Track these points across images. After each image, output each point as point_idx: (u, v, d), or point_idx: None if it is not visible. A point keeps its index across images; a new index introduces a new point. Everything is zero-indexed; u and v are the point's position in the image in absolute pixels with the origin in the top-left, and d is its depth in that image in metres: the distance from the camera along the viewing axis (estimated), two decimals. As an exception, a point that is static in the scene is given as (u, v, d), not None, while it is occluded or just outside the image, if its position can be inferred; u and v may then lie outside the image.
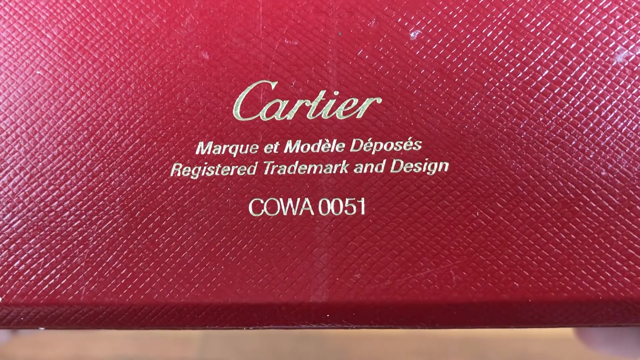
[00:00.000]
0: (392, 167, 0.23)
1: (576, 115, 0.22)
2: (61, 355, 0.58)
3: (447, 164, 0.23)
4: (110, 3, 0.24)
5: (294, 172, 0.23)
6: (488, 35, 0.23)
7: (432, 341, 0.57)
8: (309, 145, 0.23)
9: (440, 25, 0.23)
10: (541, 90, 0.23)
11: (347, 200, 0.23)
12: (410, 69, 0.23)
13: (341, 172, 0.23)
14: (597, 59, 0.23)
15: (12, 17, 0.24)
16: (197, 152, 0.23)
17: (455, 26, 0.23)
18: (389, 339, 0.58)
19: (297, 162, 0.23)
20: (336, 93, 0.23)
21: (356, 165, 0.23)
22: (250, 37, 0.23)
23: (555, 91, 0.23)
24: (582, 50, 0.23)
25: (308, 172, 0.23)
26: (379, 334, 0.58)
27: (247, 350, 0.58)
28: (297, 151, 0.23)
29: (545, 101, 0.22)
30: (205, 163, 0.23)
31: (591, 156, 0.22)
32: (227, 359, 0.58)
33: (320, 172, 0.23)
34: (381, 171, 0.23)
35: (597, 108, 0.22)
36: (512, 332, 0.56)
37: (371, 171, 0.23)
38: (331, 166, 0.23)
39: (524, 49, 0.23)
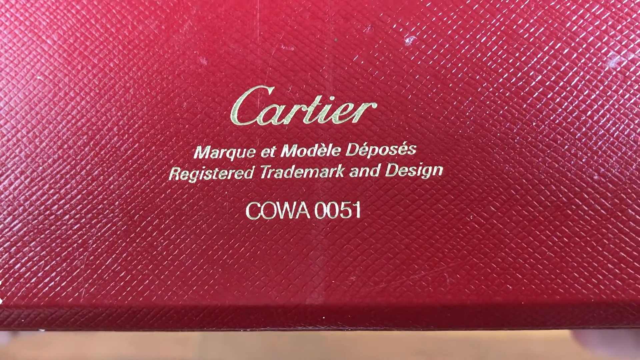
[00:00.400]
0: (387, 171, 0.23)
1: (569, 119, 0.23)
2: (61, 356, 0.58)
3: (441, 168, 0.23)
4: (109, 9, 0.24)
5: (291, 176, 0.23)
6: (482, 41, 0.23)
7: (431, 341, 0.57)
8: (305, 149, 0.23)
9: (434, 32, 0.23)
10: (534, 95, 0.23)
11: (342, 203, 0.23)
12: (405, 75, 0.23)
13: (337, 176, 0.23)
14: (590, 64, 0.23)
15: (12, 23, 0.24)
16: (195, 157, 0.23)
17: (449, 32, 0.23)
18: (388, 339, 0.58)
19: (293, 166, 0.23)
20: (332, 98, 0.23)
21: (352, 169, 0.23)
22: (248, 43, 0.24)
23: (548, 96, 0.23)
24: (574, 55, 0.23)
25: (304, 176, 0.23)
26: (378, 334, 0.58)
27: (246, 351, 0.59)
28: (293, 155, 0.23)
29: (538, 106, 0.23)
30: (203, 167, 0.23)
31: (583, 160, 0.23)
32: (226, 359, 0.58)
33: (316, 176, 0.23)
34: (376, 175, 0.23)
35: (589, 113, 0.23)
36: (511, 333, 0.56)
37: (366, 175, 0.23)
38: (327, 170, 0.23)
39: (517, 54, 0.23)
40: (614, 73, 0.23)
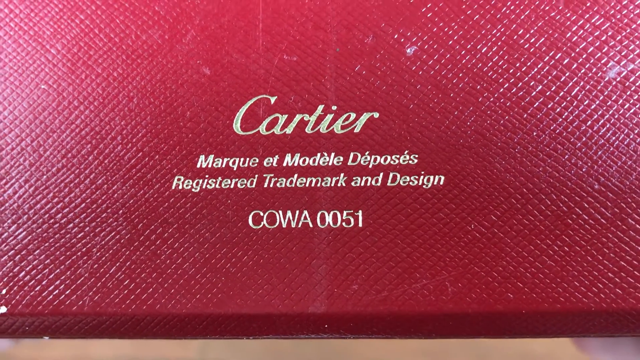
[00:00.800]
0: (389, 180, 0.23)
1: (569, 129, 0.23)
2: (61, 356, 0.58)
3: (442, 177, 0.23)
4: (113, 19, 0.24)
5: (293, 185, 0.23)
6: (483, 51, 0.23)
7: (434, 341, 0.57)
8: (307, 158, 0.23)
9: (435, 42, 0.23)
10: (535, 105, 0.23)
11: (344, 212, 0.23)
12: (407, 84, 0.23)
13: (339, 185, 0.23)
14: (590, 74, 0.23)
15: (17, 32, 0.25)
16: (198, 165, 0.24)
17: (450, 42, 0.23)
18: (390, 339, 0.58)
19: (296, 175, 0.23)
20: (334, 108, 0.23)
21: (354, 178, 0.23)
22: (250, 53, 0.24)
23: (549, 106, 0.23)
24: (574, 66, 0.23)
25: (307, 185, 0.23)
26: (379, 337, 0.58)
27: (247, 352, 0.59)
28: (296, 164, 0.23)
29: (538, 116, 0.23)
30: (206, 176, 0.24)
31: (584, 170, 0.23)
32: (227, 359, 0.58)
33: (318, 185, 0.23)
34: (378, 184, 0.23)
35: (589, 122, 0.23)
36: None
37: (368, 184, 0.23)
38: (329, 179, 0.23)
39: (517, 64, 0.23)
40: (614, 83, 0.23)
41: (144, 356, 0.58)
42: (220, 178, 0.24)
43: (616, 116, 0.23)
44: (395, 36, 0.24)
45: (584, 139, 0.23)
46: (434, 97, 0.23)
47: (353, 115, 0.23)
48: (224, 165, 0.24)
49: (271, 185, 0.23)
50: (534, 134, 0.23)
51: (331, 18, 0.24)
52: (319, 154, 0.23)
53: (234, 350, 0.59)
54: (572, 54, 0.23)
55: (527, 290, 0.23)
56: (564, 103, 0.23)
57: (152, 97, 0.24)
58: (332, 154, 0.23)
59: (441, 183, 0.23)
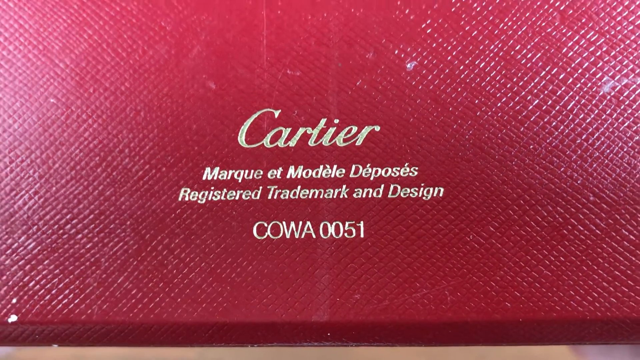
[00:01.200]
0: (390, 192, 0.24)
1: (565, 142, 0.24)
2: (61, 354, 0.59)
3: (442, 189, 0.24)
4: (120, 34, 0.25)
5: (296, 197, 0.24)
6: (481, 66, 0.24)
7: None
8: (310, 170, 0.24)
9: (435, 57, 0.24)
10: (531, 119, 0.24)
11: (347, 223, 0.24)
12: (407, 98, 0.24)
13: (341, 196, 0.24)
14: (585, 89, 0.24)
15: (26, 47, 0.25)
16: (204, 178, 0.24)
17: (449, 58, 0.24)
18: (391, 347, 0.58)
19: (299, 187, 0.24)
20: (336, 121, 0.24)
21: (355, 190, 0.24)
22: (255, 68, 0.24)
23: (545, 120, 0.24)
24: (570, 80, 0.24)
25: (310, 196, 0.24)
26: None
27: (246, 352, 0.59)
28: (299, 176, 0.24)
29: (535, 129, 0.24)
30: (212, 188, 0.24)
31: (579, 182, 0.23)
32: (226, 359, 0.59)
33: (321, 196, 0.24)
34: (379, 196, 0.24)
35: (584, 136, 0.24)
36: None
37: (370, 196, 0.24)
38: (332, 191, 0.24)
39: (515, 79, 0.24)
40: (609, 97, 0.24)
41: (143, 356, 0.59)
42: (225, 190, 0.24)
43: (610, 129, 0.23)
44: (396, 52, 0.24)
45: (579, 152, 0.23)
46: (433, 111, 0.24)
47: (355, 129, 0.24)
48: (229, 177, 0.24)
49: (275, 197, 0.24)
50: (531, 146, 0.24)
51: (333, 34, 0.24)
52: (321, 167, 0.24)
53: (233, 351, 0.59)
54: (568, 69, 0.24)
55: (524, 299, 0.23)
56: (560, 117, 0.24)
57: (158, 110, 0.25)
58: (335, 167, 0.24)
59: (441, 195, 0.24)
